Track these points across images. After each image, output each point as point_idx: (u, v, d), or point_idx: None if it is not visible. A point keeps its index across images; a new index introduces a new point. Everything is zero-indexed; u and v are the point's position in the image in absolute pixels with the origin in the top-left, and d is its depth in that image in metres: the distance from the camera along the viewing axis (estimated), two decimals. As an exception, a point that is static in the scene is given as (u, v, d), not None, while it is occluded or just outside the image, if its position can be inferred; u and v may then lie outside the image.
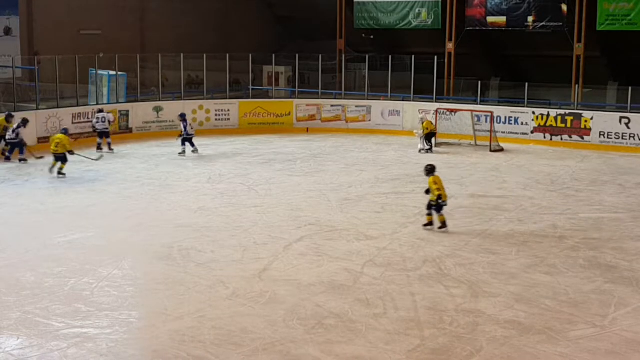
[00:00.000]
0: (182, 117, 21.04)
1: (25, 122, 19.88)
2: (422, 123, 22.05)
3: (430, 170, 13.28)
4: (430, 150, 21.63)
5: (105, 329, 8.79)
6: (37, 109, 21.85)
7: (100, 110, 21.41)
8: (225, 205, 15.03)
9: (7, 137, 19.58)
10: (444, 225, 13.01)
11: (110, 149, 21.06)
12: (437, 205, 12.98)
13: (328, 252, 11.84)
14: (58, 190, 16.22)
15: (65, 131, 18.37)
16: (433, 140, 22.00)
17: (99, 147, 20.92)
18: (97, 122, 21.08)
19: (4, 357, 8.05)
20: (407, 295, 9.95)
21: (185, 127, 20.65)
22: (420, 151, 21.66)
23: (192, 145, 20.73)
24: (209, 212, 14.45)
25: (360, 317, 9.18)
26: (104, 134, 21.13)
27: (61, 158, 17.59)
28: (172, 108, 24.40)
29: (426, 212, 13.18)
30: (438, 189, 12.90)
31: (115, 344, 8.40)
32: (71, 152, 17.78)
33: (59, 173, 17.56)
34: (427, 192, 13.17)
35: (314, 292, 10.05)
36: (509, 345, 8.45)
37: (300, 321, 9.04)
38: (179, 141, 20.73)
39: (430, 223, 13.14)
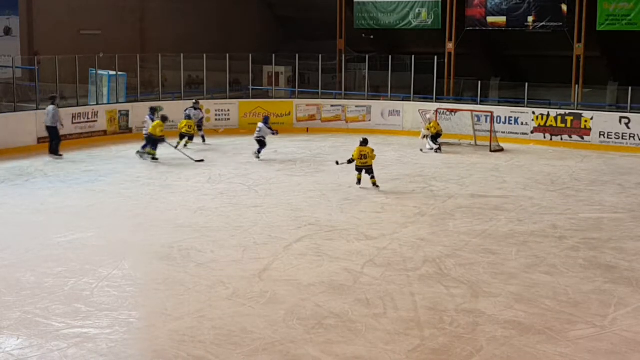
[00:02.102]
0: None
1: (153, 111, 21.19)
2: (429, 123, 22.04)
3: (361, 141, 16.78)
4: (439, 149, 21.53)
5: (105, 329, 8.79)
6: (37, 109, 21.82)
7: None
8: (225, 205, 15.03)
9: (144, 132, 20.45)
10: (374, 185, 16.65)
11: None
12: (356, 166, 16.65)
13: (328, 252, 11.85)
14: (58, 190, 16.22)
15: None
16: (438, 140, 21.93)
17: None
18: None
19: (4, 357, 8.05)
20: (407, 295, 9.95)
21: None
22: (421, 150, 21.62)
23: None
24: (209, 212, 14.45)
25: (360, 317, 9.18)
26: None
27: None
28: (172, 108, 24.39)
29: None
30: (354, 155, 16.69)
31: (115, 344, 8.40)
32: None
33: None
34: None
35: (314, 292, 10.06)
36: (509, 345, 8.45)
37: (300, 321, 9.04)
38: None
39: (359, 181, 16.68)
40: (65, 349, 8.23)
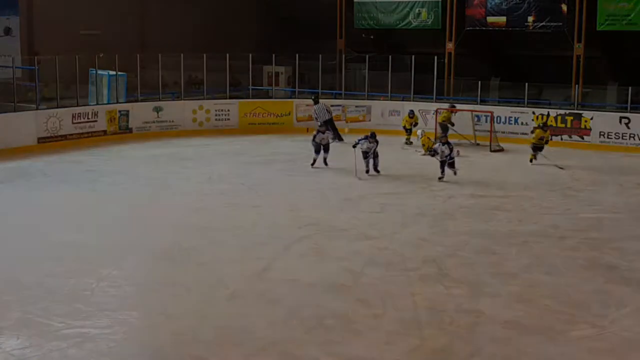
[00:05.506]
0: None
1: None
2: (420, 138, 21.76)
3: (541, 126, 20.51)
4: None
5: (105, 329, 8.79)
6: (37, 109, 21.84)
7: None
8: (225, 205, 15.03)
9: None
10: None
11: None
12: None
13: (328, 252, 11.84)
14: (58, 190, 16.21)
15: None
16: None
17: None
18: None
19: (4, 357, 8.05)
20: (407, 295, 9.95)
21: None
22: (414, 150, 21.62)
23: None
24: (209, 212, 14.44)
25: (360, 317, 9.18)
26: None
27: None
28: (172, 108, 24.40)
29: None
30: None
31: (115, 344, 8.40)
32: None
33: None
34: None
35: (314, 292, 10.05)
36: (509, 345, 8.45)
37: (300, 321, 9.04)
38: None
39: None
40: (65, 349, 8.23)
